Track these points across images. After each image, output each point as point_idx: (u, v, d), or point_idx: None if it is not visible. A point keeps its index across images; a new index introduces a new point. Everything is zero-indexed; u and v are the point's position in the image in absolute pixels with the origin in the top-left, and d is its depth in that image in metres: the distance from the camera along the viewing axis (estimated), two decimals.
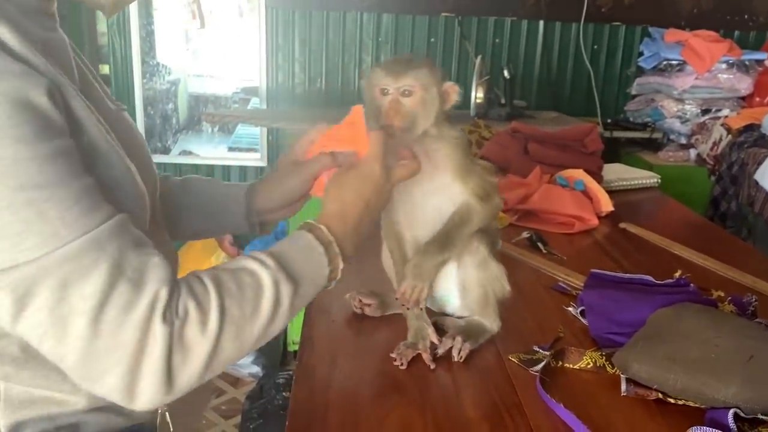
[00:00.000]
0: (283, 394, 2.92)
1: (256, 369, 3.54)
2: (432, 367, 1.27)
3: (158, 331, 0.81)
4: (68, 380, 0.88)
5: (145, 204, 0.99)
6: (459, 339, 1.31)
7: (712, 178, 3.59)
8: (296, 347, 3.52)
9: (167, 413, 1.05)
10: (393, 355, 1.29)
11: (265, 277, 0.93)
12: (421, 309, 1.31)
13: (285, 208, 1.32)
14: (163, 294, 0.83)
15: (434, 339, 1.30)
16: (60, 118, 0.82)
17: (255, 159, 4.47)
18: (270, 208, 1.32)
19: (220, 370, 0.90)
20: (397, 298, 1.30)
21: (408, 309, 1.31)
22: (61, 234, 0.78)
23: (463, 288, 1.37)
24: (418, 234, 1.34)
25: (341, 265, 1.05)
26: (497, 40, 4.35)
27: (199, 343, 0.85)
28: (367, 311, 1.45)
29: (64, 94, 0.86)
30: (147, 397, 0.84)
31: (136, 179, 0.97)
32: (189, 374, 0.85)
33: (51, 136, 0.80)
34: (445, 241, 1.29)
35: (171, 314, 0.83)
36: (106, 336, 0.80)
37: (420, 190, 1.29)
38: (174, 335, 0.83)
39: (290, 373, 3.05)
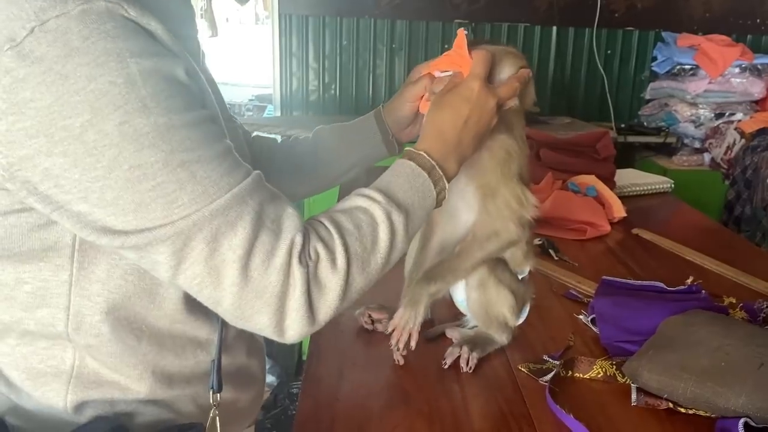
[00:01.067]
0: (297, 404, 2.92)
1: (271, 379, 3.53)
2: (401, 362, 1.30)
3: (297, 273, 0.90)
4: (138, 366, 0.98)
5: None
6: (465, 349, 1.31)
7: (727, 182, 3.57)
8: None
9: (217, 417, 1.06)
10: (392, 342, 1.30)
11: (378, 212, 1.00)
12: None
13: (406, 128, 1.39)
14: (299, 240, 0.91)
15: (413, 342, 1.29)
16: (199, 92, 0.92)
17: None
18: (397, 130, 1.39)
19: (355, 300, 0.99)
20: (390, 332, 1.31)
21: (398, 350, 1.31)
22: (209, 191, 0.86)
23: (467, 302, 1.37)
24: (431, 232, 1.35)
25: (447, 186, 1.10)
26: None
27: (331, 280, 0.94)
28: (379, 327, 1.43)
29: (196, 78, 0.93)
30: (294, 331, 0.93)
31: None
32: (327, 307, 0.94)
33: (194, 107, 0.88)
34: (440, 273, 1.31)
35: (305, 257, 0.92)
36: (255, 280, 0.88)
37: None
38: (310, 275, 0.92)
39: None
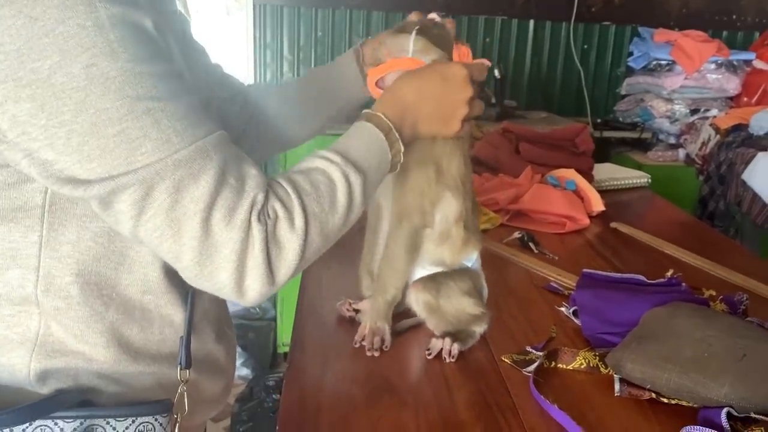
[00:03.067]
0: (273, 396, 2.92)
1: (246, 371, 3.52)
2: (376, 354, 1.30)
3: (256, 231, 0.90)
4: (104, 334, 0.98)
5: None
6: (448, 340, 1.31)
7: (701, 177, 3.60)
8: (286, 349, 3.51)
9: (185, 394, 1.05)
10: (363, 343, 1.32)
11: (335, 173, 1.01)
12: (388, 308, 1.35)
13: None
14: (260, 198, 0.92)
15: (386, 342, 1.33)
16: (165, 47, 0.91)
17: None
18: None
19: (313, 260, 1.00)
20: (357, 344, 1.33)
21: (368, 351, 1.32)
22: (173, 141, 0.86)
23: (432, 326, 1.39)
24: (379, 215, 1.37)
25: (402, 149, 1.10)
26: (487, 40, 4.34)
27: (290, 240, 0.94)
28: (359, 317, 1.43)
29: (164, 34, 0.92)
30: (254, 290, 0.92)
31: None
32: (286, 267, 0.94)
33: (162, 59, 0.88)
34: (385, 279, 1.34)
35: (264, 216, 0.92)
36: (216, 235, 0.89)
37: None
38: (269, 234, 0.92)
39: (280, 375, 3.04)
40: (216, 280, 0.91)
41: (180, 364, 1.04)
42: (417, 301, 1.34)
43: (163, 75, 0.87)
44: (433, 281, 1.34)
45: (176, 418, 1.03)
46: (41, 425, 0.94)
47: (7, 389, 0.97)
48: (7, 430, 0.92)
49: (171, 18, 1.08)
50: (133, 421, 0.97)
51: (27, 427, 0.93)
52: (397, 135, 1.09)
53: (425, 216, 1.30)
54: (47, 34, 0.79)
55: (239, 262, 0.90)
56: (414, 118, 1.12)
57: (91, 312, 0.97)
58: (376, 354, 1.30)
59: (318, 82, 1.43)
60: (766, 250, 3.43)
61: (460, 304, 1.34)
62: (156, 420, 0.99)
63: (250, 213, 0.90)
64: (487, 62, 1.24)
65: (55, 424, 0.94)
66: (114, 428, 0.96)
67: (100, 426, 0.96)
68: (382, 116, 1.09)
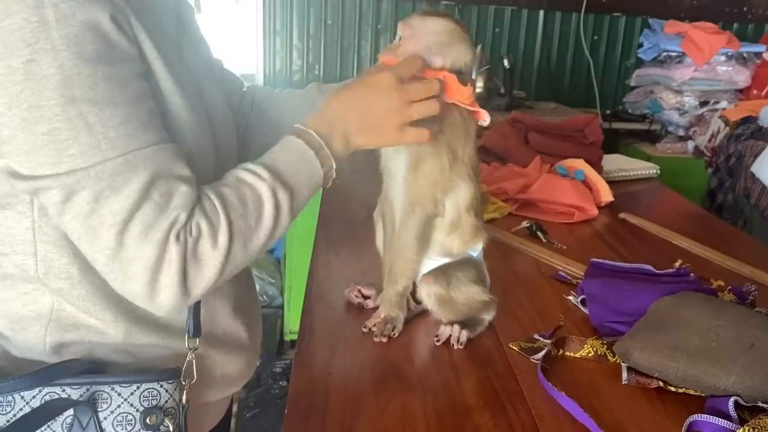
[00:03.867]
0: (280, 383, 2.93)
1: None
2: (384, 340, 1.31)
3: (173, 250, 0.90)
4: (111, 309, 1.01)
5: (205, 172, 1.04)
6: (456, 327, 1.32)
7: (710, 170, 3.60)
8: (293, 337, 3.53)
9: (194, 362, 1.06)
10: (373, 329, 1.33)
11: (263, 189, 1.00)
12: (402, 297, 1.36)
13: None
14: (182, 218, 0.92)
15: (397, 331, 1.34)
16: (125, 45, 0.89)
17: None
18: None
19: (232, 276, 1.00)
20: (367, 328, 1.34)
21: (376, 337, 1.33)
22: (102, 147, 0.86)
23: (442, 316, 1.38)
24: (395, 202, 1.35)
25: (335, 165, 1.08)
26: (497, 30, 4.33)
27: (211, 256, 0.94)
28: (369, 303, 1.44)
29: (132, 24, 0.91)
30: (166, 304, 0.93)
31: (201, 136, 1.03)
32: (203, 282, 0.95)
33: (111, 60, 0.87)
34: (397, 269, 1.34)
35: (185, 234, 0.92)
36: (129, 249, 0.89)
37: (395, 151, 1.30)
38: (188, 252, 0.92)
39: (287, 362, 3.05)
40: (128, 289, 0.92)
41: (188, 332, 1.06)
42: (429, 295, 1.35)
43: (108, 77, 0.87)
44: (442, 273, 1.34)
45: (185, 385, 1.04)
46: (50, 392, 0.96)
47: (29, 362, 1.02)
48: (18, 395, 0.95)
49: (162, 6, 1.06)
50: (138, 387, 0.99)
51: (37, 393, 0.96)
52: (328, 152, 1.06)
53: (437, 204, 1.30)
54: None
55: (152, 277, 0.91)
56: (343, 132, 1.09)
57: (93, 289, 0.99)
58: (384, 340, 1.31)
59: (314, 98, 1.40)
60: None
61: (470, 293, 1.34)
62: (162, 386, 1.01)
63: (169, 232, 0.90)
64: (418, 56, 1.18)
65: (63, 390, 0.97)
66: (119, 394, 0.98)
67: (105, 392, 0.98)
68: (313, 133, 1.06)
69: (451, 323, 1.33)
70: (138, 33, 0.92)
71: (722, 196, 3.47)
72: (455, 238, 1.36)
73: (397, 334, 1.32)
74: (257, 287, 3.76)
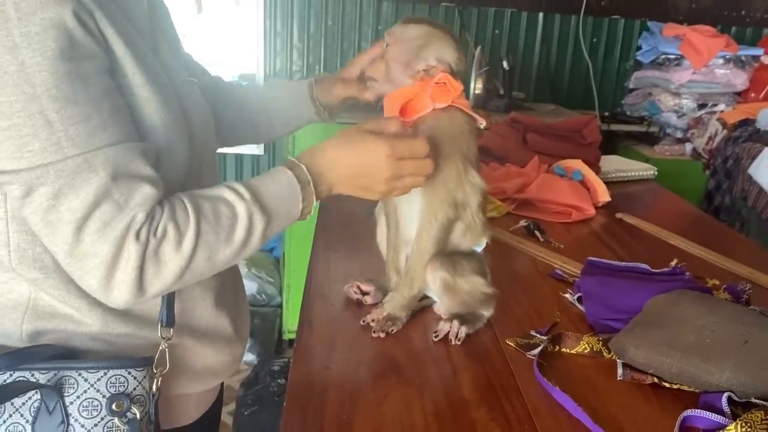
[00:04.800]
0: (278, 381, 2.94)
1: (251, 357, 3.55)
2: (382, 335, 1.33)
3: (131, 248, 0.93)
4: (85, 298, 1.03)
5: (180, 165, 1.07)
6: (456, 323, 1.33)
7: (707, 172, 3.61)
8: (291, 336, 3.54)
9: (167, 351, 1.09)
10: (370, 323, 1.35)
11: (241, 209, 1.02)
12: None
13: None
14: (140, 217, 0.93)
15: (396, 327, 1.35)
16: (89, 42, 0.90)
17: (251, 147, 4.44)
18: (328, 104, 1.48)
19: (191, 283, 1.03)
20: (366, 322, 1.36)
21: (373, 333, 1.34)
22: (62, 144, 0.88)
23: (444, 305, 1.40)
24: (402, 210, 1.37)
25: (314, 202, 1.11)
26: (497, 31, 4.34)
27: (172, 260, 0.96)
28: (367, 299, 1.45)
29: (97, 21, 0.92)
30: (120, 299, 0.96)
31: (175, 129, 1.05)
32: (161, 283, 0.97)
33: (75, 57, 0.88)
34: (413, 273, 1.36)
35: (147, 234, 0.94)
36: (86, 245, 0.91)
37: None
38: (149, 251, 0.94)
39: (285, 360, 3.06)
40: (85, 283, 0.95)
41: (161, 322, 1.08)
42: (434, 279, 1.35)
43: (70, 75, 0.88)
44: (448, 259, 1.35)
45: (156, 374, 1.07)
46: (20, 376, 0.99)
47: (5, 349, 1.03)
48: None
49: (134, 3, 1.08)
50: (105, 373, 1.01)
51: (8, 377, 0.99)
52: (312, 189, 1.09)
53: (457, 208, 1.32)
54: None
55: (107, 273, 0.93)
56: (331, 181, 1.12)
57: (68, 278, 1.00)
58: (382, 335, 1.32)
59: (276, 92, 1.50)
60: None
61: (474, 282, 1.35)
62: (129, 373, 1.03)
63: (127, 230, 0.92)
64: (421, 142, 1.19)
65: (32, 375, 0.99)
66: (86, 379, 1.01)
67: (73, 377, 1.00)
68: (304, 169, 1.09)
69: (450, 319, 1.34)
70: (105, 29, 0.94)
71: (720, 198, 3.49)
72: (467, 236, 1.38)
73: (395, 332, 1.34)
74: (255, 286, 3.79)
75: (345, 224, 1.91)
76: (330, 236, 1.84)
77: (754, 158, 3.20)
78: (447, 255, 1.35)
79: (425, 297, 1.42)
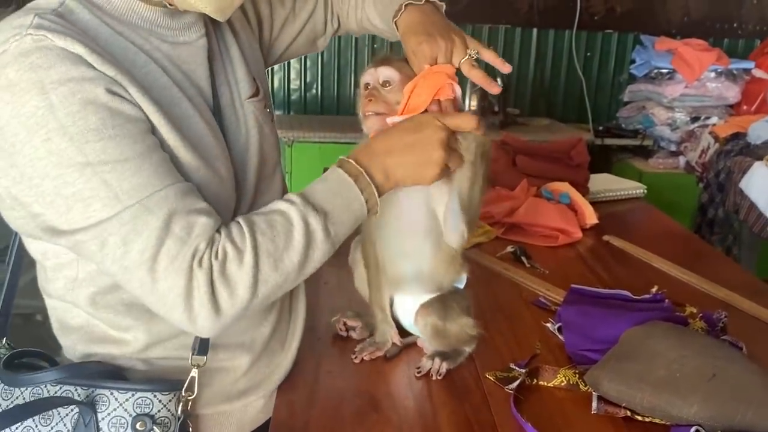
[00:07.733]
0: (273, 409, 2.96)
1: None
2: (366, 358, 1.40)
3: (199, 275, 1.01)
4: (131, 326, 1.17)
5: (226, 202, 1.17)
6: (437, 360, 1.36)
7: (701, 185, 3.64)
8: None
9: (197, 377, 1.16)
10: (354, 353, 1.41)
11: (293, 214, 1.08)
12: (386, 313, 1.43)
13: None
14: (202, 246, 1.02)
15: (396, 340, 1.42)
16: (127, 108, 1.02)
17: None
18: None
19: (273, 297, 1.09)
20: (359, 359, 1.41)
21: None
22: (120, 197, 0.99)
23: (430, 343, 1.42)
24: (384, 235, 1.37)
25: (375, 192, 1.14)
26: (491, 48, 4.37)
27: (239, 277, 1.03)
28: (353, 335, 1.49)
29: (131, 93, 1.03)
30: (206, 328, 1.04)
31: (216, 180, 1.15)
32: (236, 301, 1.04)
33: (116, 124, 0.99)
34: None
35: (209, 259, 1.02)
36: (162, 281, 1.01)
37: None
38: (215, 275, 1.02)
39: None
40: (173, 318, 1.04)
41: (193, 349, 1.16)
42: (426, 325, 1.37)
43: (116, 138, 0.99)
44: (440, 303, 1.37)
45: (184, 398, 1.16)
46: (67, 389, 1.11)
47: (66, 361, 1.22)
48: (44, 386, 1.11)
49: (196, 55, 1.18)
50: (133, 395, 1.11)
51: (59, 389, 1.11)
52: (368, 179, 1.12)
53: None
54: (16, 116, 0.96)
55: (186, 304, 1.01)
56: (386, 165, 1.15)
57: (116, 312, 1.16)
58: (366, 358, 1.38)
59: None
60: (764, 257, 3.47)
61: (462, 325, 1.37)
62: (155, 396, 1.12)
63: (192, 260, 1.01)
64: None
65: (75, 389, 1.11)
66: (116, 398, 1.10)
67: (105, 395, 1.11)
68: (353, 162, 1.14)
69: (433, 356, 1.38)
70: (139, 100, 1.04)
71: (713, 211, 3.52)
72: (450, 270, 1.39)
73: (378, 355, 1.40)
74: None
75: (334, 254, 1.92)
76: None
77: (745, 172, 3.23)
78: (437, 299, 1.38)
79: (409, 334, 1.45)
